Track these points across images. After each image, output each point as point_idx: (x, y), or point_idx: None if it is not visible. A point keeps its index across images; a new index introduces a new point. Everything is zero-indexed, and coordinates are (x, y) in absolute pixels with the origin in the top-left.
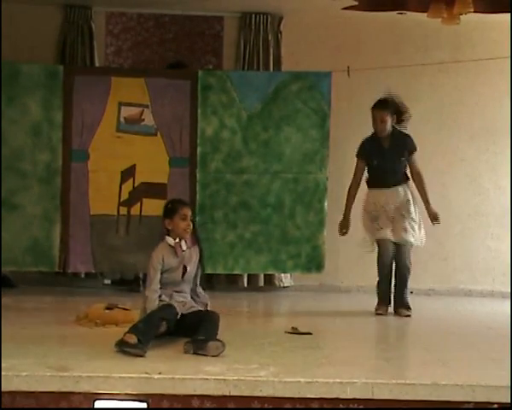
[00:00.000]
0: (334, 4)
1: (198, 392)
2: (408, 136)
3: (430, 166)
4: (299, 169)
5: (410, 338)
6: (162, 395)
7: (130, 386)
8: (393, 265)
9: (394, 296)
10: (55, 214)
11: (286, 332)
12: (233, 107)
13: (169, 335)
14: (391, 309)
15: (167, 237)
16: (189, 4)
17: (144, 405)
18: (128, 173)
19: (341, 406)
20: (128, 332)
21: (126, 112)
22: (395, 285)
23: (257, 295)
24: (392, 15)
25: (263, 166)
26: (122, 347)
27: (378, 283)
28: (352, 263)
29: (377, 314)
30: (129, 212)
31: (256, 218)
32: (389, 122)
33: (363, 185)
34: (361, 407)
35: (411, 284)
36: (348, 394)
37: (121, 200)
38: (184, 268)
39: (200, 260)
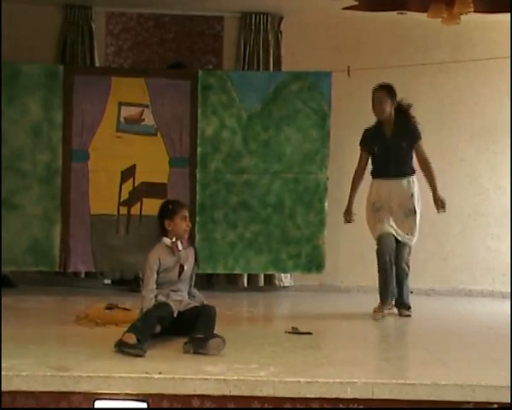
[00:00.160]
0: (334, 4)
1: (198, 392)
2: (412, 123)
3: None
4: (299, 169)
5: (410, 338)
6: (162, 395)
7: (131, 386)
8: (392, 265)
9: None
10: (56, 214)
11: (286, 332)
12: (233, 107)
13: (168, 334)
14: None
15: (164, 238)
16: (189, 4)
17: (144, 405)
18: (128, 173)
19: (341, 406)
20: (127, 332)
21: (126, 112)
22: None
23: (257, 295)
24: (392, 15)
25: (263, 166)
26: (122, 348)
27: (379, 281)
28: (352, 263)
29: (375, 319)
30: (129, 212)
31: (256, 218)
32: (387, 104)
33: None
34: (361, 406)
35: (411, 284)
36: (348, 394)
37: (121, 200)
38: (181, 267)
39: (196, 260)
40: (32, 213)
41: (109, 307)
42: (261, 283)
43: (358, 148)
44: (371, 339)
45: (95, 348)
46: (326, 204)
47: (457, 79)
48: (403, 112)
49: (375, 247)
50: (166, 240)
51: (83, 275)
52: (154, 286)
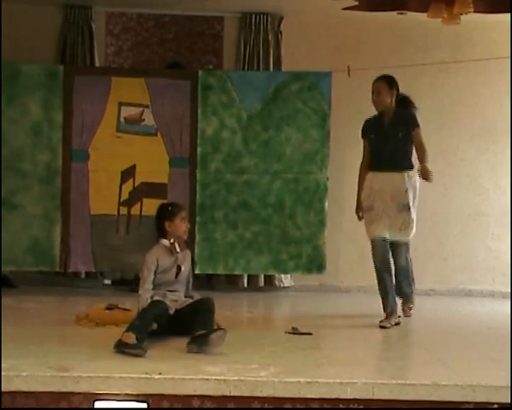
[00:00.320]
0: (334, 4)
1: (198, 392)
2: (410, 111)
3: (430, 166)
4: (299, 169)
5: (411, 338)
6: (162, 396)
7: (131, 386)
8: (389, 266)
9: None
10: (56, 214)
11: (286, 332)
12: (233, 107)
13: (167, 333)
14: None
15: (162, 240)
16: (189, 4)
17: (144, 405)
18: (128, 173)
19: (341, 406)
20: (126, 332)
21: (126, 112)
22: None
23: (257, 295)
24: (392, 15)
25: (263, 167)
26: (122, 348)
27: (379, 291)
28: (353, 263)
29: (381, 327)
30: (129, 212)
31: (256, 218)
32: (386, 95)
33: None
34: (361, 407)
35: None
36: (348, 394)
37: (121, 200)
38: (178, 268)
39: (192, 262)
40: (32, 213)
41: (109, 308)
42: (261, 283)
43: (361, 146)
44: (371, 339)
45: (95, 349)
46: (326, 204)
47: (457, 79)
48: (405, 104)
49: None
50: (165, 241)
51: (83, 275)
52: (151, 286)
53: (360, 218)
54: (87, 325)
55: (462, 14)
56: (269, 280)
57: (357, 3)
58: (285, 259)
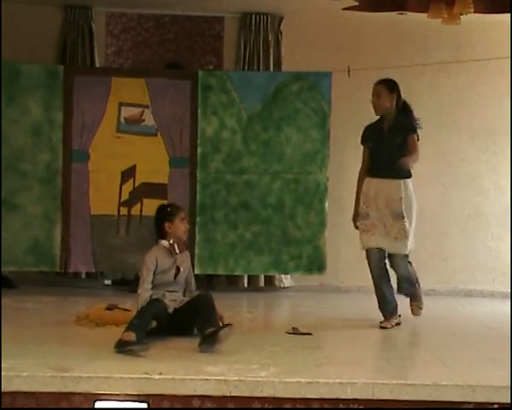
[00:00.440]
0: (335, 4)
1: (198, 392)
2: (410, 118)
3: (430, 166)
4: (299, 169)
5: (411, 338)
6: (163, 396)
7: (131, 386)
8: (386, 272)
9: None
10: (56, 214)
11: (286, 333)
12: (233, 107)
13: (167, 332)
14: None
15: (162, 240)
16: (189, 5)
17: (145, 405)
18: (128, 174)
19: (342, 406)
20: (125, 331)
21: (126, 112)
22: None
23: (257, 295)
24: (392, 15)
25: (263, 167)
26: (123, 347)
27: (375, 294)
28: (353, 263)
29: (381, 328)
30: (129, 212)
31: (257, 218)
32: (385, 99)
33: None
34: (361, 407)
35: None
36: (349, 394)
37: (121, 200)
38: (177, 269)
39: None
40: (33, 213)
41: (109, 308)
42: (261, 283)
43: (361, 147)
44: (371, 339)
45: (95, 349)
46: (326, 204)
47: (457, 79)
48: (406, 111)
49: None
50: (164, 242)
51: (83, 275)
52: (150, 286)
53: (357, 226)
54: (87, 325)
55: (462, 14)
56: (269, 280)
57: (357, 4)
58: (285, 259)
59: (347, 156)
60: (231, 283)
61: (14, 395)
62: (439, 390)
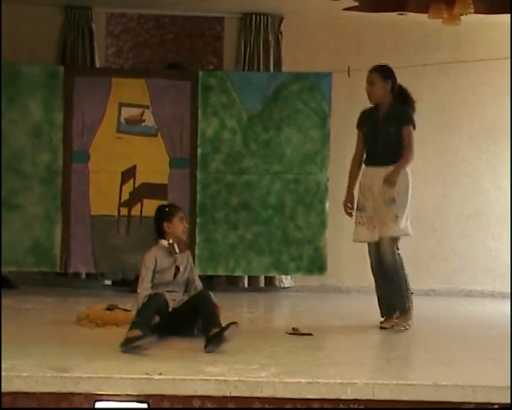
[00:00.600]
0: (335, 5)
1: (199, 393)
2: (406, 108)
3: (431, 166)
4: (299, 170)
5: (411, 339)
6: (163, 396)
7: (131, 387)
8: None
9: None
10: (56, 215)
11: (286, 333)
12: (233, 107)
13: (167, 332)
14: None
15: (161, 240)
16: (189, 5)
17: (145, 405)
18: (128, 174)
19: (342, 406)
20: (129, 330)
21: (127, 113)
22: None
23: (257, 295)
24: (392, 16)
25: (263, 167)
26: (129, 344)
27: (375, 291)
28: (353, 264)
29: (381, 328)
30: (129, 212)
31: (257, 219)
32: (379, 86)
33: None
34: (362, 407)
35: (412, 285)
36: (349, 394)
37: (122, 200)
38: (177, 269)
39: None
40: (33, 213)
41: (110, 308)
42: (262, 283)
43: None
44: (372, 339)
45: (95, 349)
46: (327, 205)
47: (458, 79)
48: (403, 97)
49: None
50: (164, 242)
51: (83, 276)
52: (150, 285)
53: (347, 212)
54: (87, 325)
55: (462, 14)
56: (269, 281)
57: (357, 4)
58: (286, 260)
59: (347, 156)
60: (232, 283)
61: (14, 395)
62: (440, 390)
